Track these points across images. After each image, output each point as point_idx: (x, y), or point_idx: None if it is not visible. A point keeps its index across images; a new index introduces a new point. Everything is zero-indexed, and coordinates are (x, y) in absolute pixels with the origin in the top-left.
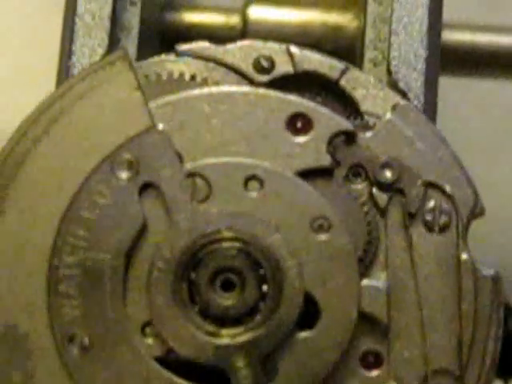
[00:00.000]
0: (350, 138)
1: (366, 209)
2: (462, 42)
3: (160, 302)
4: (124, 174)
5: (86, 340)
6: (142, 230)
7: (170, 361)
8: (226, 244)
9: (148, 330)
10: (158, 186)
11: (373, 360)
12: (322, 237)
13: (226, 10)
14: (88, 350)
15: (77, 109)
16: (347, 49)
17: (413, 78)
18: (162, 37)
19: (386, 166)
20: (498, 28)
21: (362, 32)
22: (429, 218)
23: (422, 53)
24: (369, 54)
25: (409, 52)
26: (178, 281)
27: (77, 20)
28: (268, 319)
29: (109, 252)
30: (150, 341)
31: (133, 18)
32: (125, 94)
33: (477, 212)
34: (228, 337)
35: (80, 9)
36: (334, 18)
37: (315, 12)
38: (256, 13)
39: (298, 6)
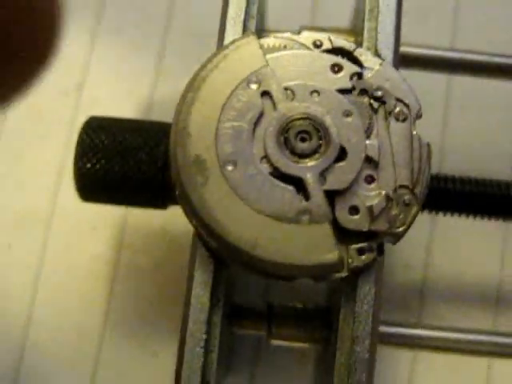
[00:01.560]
0: (360, 76)
1: (368, 109)
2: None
3: (270, 146)
4: (254, 86)
5: (235, 163)
6: (262, 113)
7: (274, 175)
8: (302, 120)
9: (264, 160)
10: (270, 93)
11: (370, 179)
12: (348, 119)
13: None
14: (235, 168)
15: (228, 57)
16: None
17: (387, 55)
18: None
19: (377, 89)
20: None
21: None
22: (397, 115)
23: (391, 43)
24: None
25: (386, 42)
26: (278, 136)
27: (227, 22)
28: (323, 155)
29: (245, 122)
30: (265, 166)
31: (252, 25)
32: (253, 50)
33: (419, 114)
34: (303, 163)
35: (228, 15)
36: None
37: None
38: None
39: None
